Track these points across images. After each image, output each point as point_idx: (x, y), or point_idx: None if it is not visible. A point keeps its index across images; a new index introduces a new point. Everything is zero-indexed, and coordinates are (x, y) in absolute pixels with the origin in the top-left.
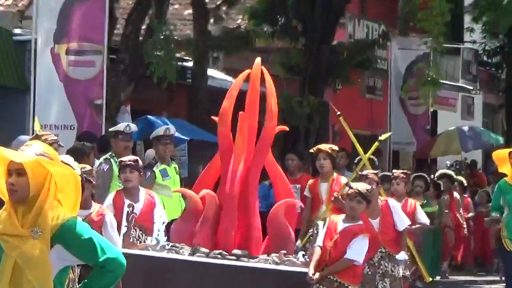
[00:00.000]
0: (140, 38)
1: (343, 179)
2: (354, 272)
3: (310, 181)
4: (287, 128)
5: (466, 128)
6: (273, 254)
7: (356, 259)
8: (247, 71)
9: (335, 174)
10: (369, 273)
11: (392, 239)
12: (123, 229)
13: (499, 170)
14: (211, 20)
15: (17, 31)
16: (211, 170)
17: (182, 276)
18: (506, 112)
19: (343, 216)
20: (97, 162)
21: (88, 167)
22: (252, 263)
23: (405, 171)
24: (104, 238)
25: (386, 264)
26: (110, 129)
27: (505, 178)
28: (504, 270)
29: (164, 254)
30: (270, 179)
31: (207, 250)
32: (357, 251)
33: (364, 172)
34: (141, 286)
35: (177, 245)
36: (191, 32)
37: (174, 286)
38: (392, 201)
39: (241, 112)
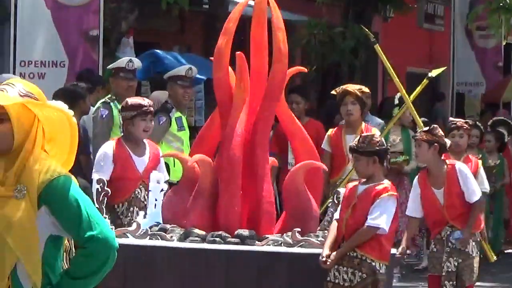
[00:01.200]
0: None
1: (376, 131)
2: (379, 244)
3: (331, 131)
4: (304, 69)
5: None
6: (285, 234)
7: (380, 226)
8: None
9: (363, 124)
10: (434, 250)
11: (461, 213)
12: None
13: None
14: None
15: None
16: (212, 126)
17: (169, 268)
18: None
19: (363, 181)
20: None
21: None
22: (258, 247)
23: (467, 120)
24: (98, 212)
25: (454, 241)
26: (108, 66)
27: None
28: None
29: (146, 242)
30: (286, 135)
31: (203, 233)
32: (381, 215)
33: (416, 133)
34: (119, 282)
35: (167, 227)
36: None
37: (160, 281)
38: (460, 166)
39: (238, 52)
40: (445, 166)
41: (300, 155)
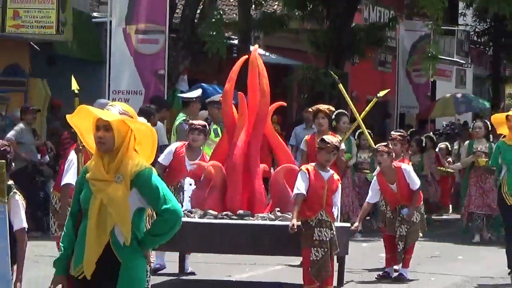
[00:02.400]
0: (195, 20)
1: (339, 137)
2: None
3: (307, 137)
4: (284, 104)
5: (459, 95)
6: (270, 213)
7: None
8: (244, 57)
9: (330, 133)
10: (391, 217)
11: (408, 196)
12: None
13: (498, 132)
14: (253, 6)
15: (95, 14)
16: (223, 143)
17: (191, 236)
18: (492, 82)
19: (313, 164)
20: (160, 124)
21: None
22: (251, 221)
23: (401, 133)
24: (169, 192)
25: (404, 215)
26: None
27: (503, 138)
28: (506, 223)
29: None
30: (272, 148)
31: (215, 213)
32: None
33: (378, 146)
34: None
35: (192, 210)
36: (236, 16)
37: (185, 244)
38: (404, 166)
39: (239, 92)
40: (394, 168)
41: (282, 160)
